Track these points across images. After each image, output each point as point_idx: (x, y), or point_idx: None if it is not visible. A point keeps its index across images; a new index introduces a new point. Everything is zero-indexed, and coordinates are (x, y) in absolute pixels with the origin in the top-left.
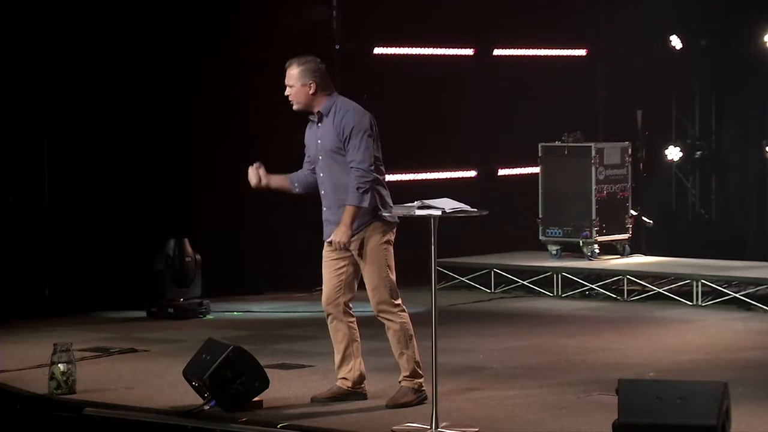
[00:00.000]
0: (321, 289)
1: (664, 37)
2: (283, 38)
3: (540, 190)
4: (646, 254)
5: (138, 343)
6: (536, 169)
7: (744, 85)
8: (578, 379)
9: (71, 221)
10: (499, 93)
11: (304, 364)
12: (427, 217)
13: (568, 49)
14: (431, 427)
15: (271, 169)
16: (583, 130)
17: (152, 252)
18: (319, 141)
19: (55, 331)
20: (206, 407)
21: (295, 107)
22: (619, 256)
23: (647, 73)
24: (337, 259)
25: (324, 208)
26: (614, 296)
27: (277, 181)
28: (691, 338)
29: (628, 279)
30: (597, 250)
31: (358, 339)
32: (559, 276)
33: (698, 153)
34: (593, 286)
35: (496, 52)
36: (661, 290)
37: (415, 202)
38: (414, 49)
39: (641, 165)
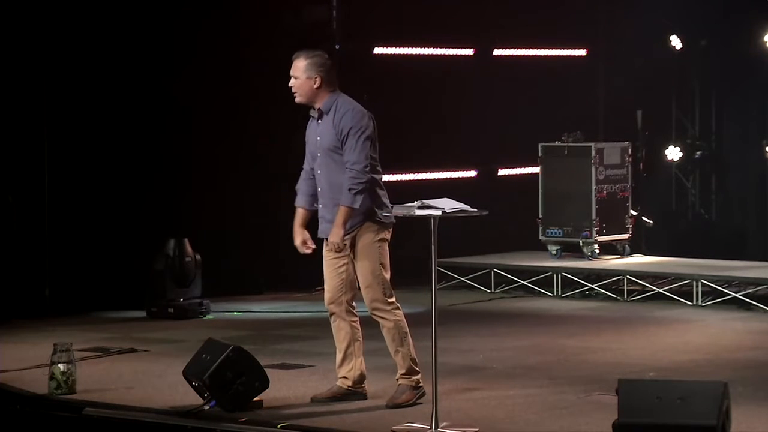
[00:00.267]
0: (321, 289)
1: (664, 37)
2: (283, 38)
3: (540, 190)
4: (646, 254)
5: (138, 343)
6: (536, 169)
7: (744, 85)
8: (578, 379)
9: (71, 221)
10: (499, 93)
11: (304, 364)
12: (427, 217)
13: (568, 49)
14: (431, 427)
15: (271, 169)
16: (583, 130)
17: (152, 252)
18: (318, 138)
19: (55, 331)
20: (206, 407)
21: (297, 99)
22: (619, 256)
23: (647, 73)
24: (336, 258)
25: (320, 206)
26: (614, 296)
27: (305, 220)
28: (691, 338)
29: (628, 279)
30: (597, 250)
31: (360, 338)
32: (559, 276)
33: (698, 153)
34: (593, 286)
35: (496, 52)
36: (661, 290)
37: (415, 202)
38: (414, 49)
39: (641, 165)
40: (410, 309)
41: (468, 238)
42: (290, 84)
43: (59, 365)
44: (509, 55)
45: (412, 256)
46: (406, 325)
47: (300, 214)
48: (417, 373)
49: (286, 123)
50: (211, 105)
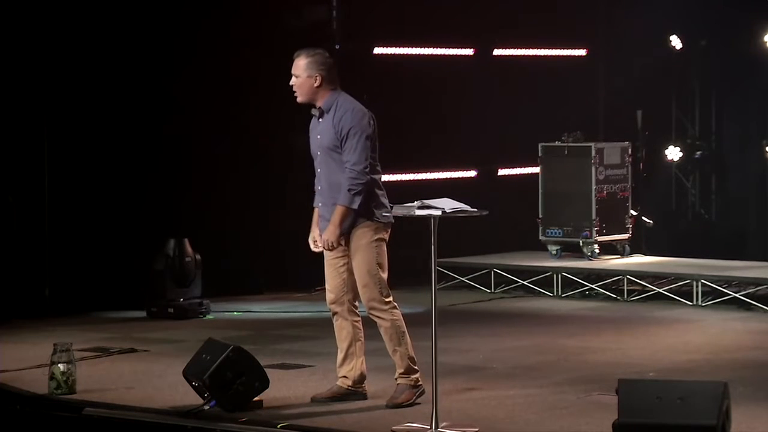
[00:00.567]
0: (321, 289)
1: (664, 37)
2: (283, 38)
3: (540, 190)
4: (646, 254)
5: (138, 343)
6: (536, 169)
7: (744, 85)
8: (578, 379)
9: (71, 221)
10: (499, 93)
11: (304, 364)
12: (427, 217)
13: (568, 49)
14: (431, 427)
15: (271, 169)
16: (583, 130)
17: (152, 252)
18: (319, 137)
19: (55, 331)
20: (206, 407)
21: (298, 99)
22: (619, 256)
23: (647, 73)
24: (338, 258)
25: (320, 204)
26: (614, 296)
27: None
28: (691, 338)
29: (628, 279)
30: (597, 250)
31: (362, 339)
32: (559, 276)
33: (698, 153)
34: (593, 286)
35: (496, 52)
36: (661, 290)
37: (415, 202)
38: (414, 49)
39: (641, 165)
40: (410, 309)
41: (468, 238)
42: (291, 83)
43: (59, 365)
44: (509, 55)
45: (411, 256)
46: (404, 324)
47: (315, 213)
48: (416, 372)
49: (286, 123)
50: (211, 105)
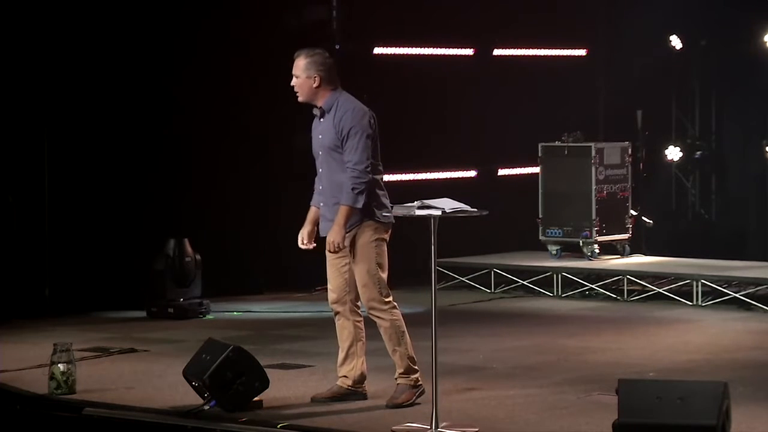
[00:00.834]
0: (321, 289)
1: (664, 37)
2: (283, 38)
3: (540, 190)
4: (646, 254)
5: (138, 343)
6: (536, 169)
7: (744, 85)
8: (578, 379)
9: (71, 221)
10: (499, 93)
11: (304, 364)
12: (427, 217)
13: (568, 49)
14: (431, 427)
15: (271, 169)
16: (583, 130)
17: (152, 252)
18: (320, 136)
19: (55, 331)
20: (206, 407)
21: (299, 99)
22: (619, 256)
23: (647, 73)
24: (339, 258)
25: (321, 204)
26: (614, 296)
27: (312, 218)
28: (691, 338)
29: (628, 279)
30: (597, 250)
31: (363, 339)
32: (559, 276)
33: (698, 153)
34: (593, 286)
35: (496, 52)
36: (661, 290)
37: (415, 202)
38: (414, 49)
39: (641, 165)
40: (410, 309)
41: (468, 238)
42: (292, 83)
43: (59, 365)
44: (509, 55)
45: (411, 256)
46: (404, 324)
47: (310, 211)
48: (415, 371)
49: (286, 123)
50: (211, 105)
